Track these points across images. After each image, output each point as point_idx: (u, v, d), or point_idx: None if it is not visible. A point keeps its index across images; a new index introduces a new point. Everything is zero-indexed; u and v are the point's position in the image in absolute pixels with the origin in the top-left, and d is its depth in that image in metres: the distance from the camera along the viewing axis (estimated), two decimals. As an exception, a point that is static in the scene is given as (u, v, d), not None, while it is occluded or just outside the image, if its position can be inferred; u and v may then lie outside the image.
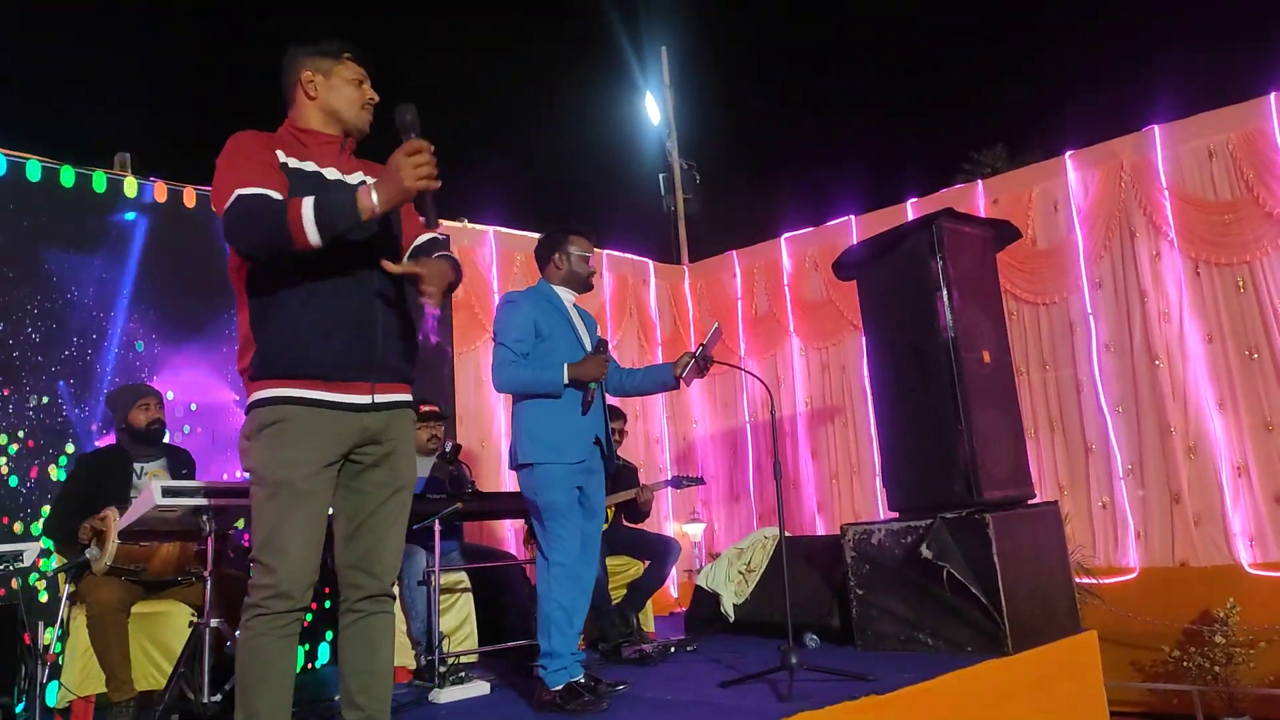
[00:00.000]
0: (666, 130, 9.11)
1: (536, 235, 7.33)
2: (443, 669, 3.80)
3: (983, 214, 6.44)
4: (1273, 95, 5.62)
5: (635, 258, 8.12)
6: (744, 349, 7.90)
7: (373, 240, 2.33)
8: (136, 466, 4.04)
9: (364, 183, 2.20)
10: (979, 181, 6.82)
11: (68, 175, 4.64)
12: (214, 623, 3.29)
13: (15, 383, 4.37)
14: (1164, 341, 5.88)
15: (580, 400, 3.43)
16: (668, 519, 7.83)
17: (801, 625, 4.58)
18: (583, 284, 3.71)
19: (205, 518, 3.36)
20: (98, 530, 3.60)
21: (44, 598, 4.22)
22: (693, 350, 3.70)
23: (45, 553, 4.05)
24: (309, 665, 4.89)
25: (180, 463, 4.18)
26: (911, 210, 6.87)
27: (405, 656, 4.29)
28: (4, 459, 4.30)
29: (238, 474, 4.84)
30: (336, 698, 2.47)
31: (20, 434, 4.36)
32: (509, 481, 6.50)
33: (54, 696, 3.71)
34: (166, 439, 4.27)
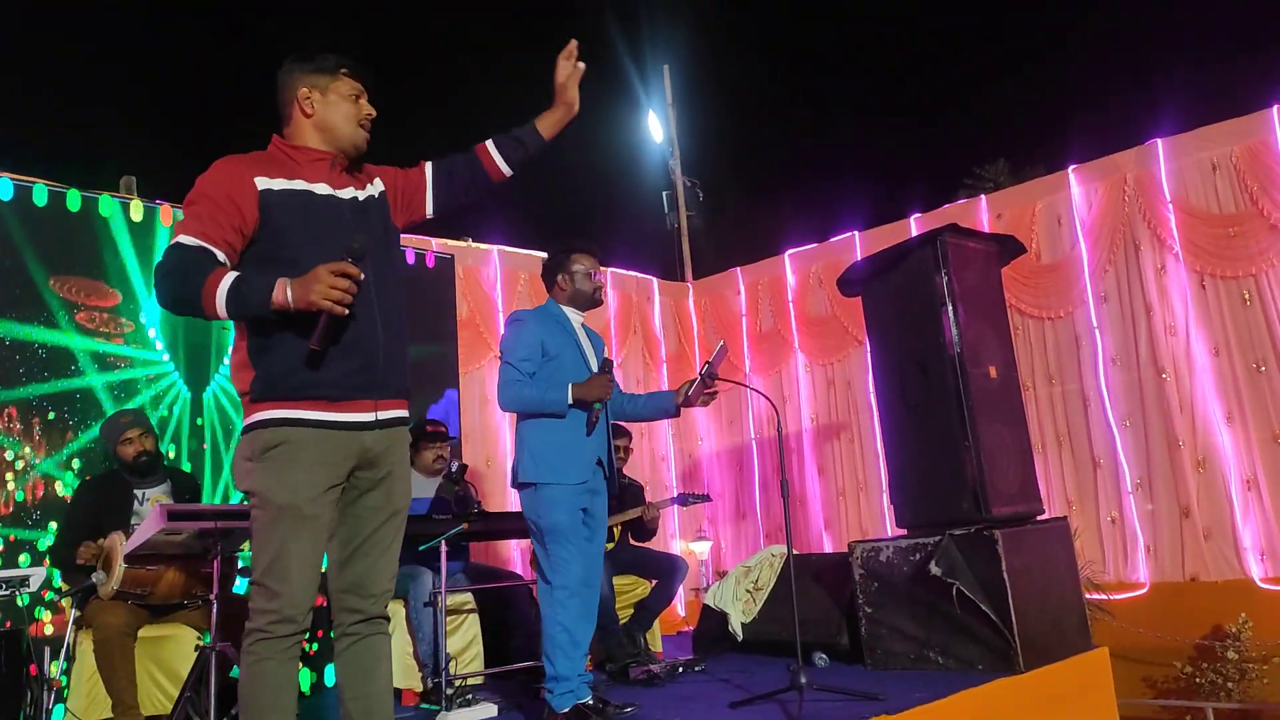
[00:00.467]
0: (669, 148, 9.15)
1: (541, 254, 7.38)
2: (449, 691, 3.77)
3: (986, 229, 6.44)
4: (1275, 108, 5.63)
5: (639, 275, 8.13)
6: (749, 365, 7.89)
7: (374, 255, 2.32)
8: (137, 493, 4.02)
9: (357, 198, 2.32)
10: (982, 196, 6.82)
11: (74, 199, 4.66)
12: (220, 646, 3.27)
13: (21, 404, 4.37)
14: (1170, 355, 5.87)
15: (585, 421, 3.41)
16: (674, 537, 7.80)
17: (810, 644, 4.55)
18: (589, 301, 3.68)
19: (211, 540, 3.35)
20: (104, 554, 3.59)
21: (49, 626, 4.20)
22: (699, 370, 3.68)
23: (51, 586, 4.04)
24: (318, 686, 4.87)
25: (184, 486, 4.17)
26: (915, 226, 6.87)
27: (412, 679, 4.26)
28: (11, 474, 4.30)
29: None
30: None
31: (27, 450, 4.36)
32: (515, 501, 6.48)
33: (60, 722, 3.69)
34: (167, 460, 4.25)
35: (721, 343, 3.79)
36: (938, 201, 7.13)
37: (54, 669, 3.57)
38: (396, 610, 4.43)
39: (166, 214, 4.93)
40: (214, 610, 3.34)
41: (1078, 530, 6.01)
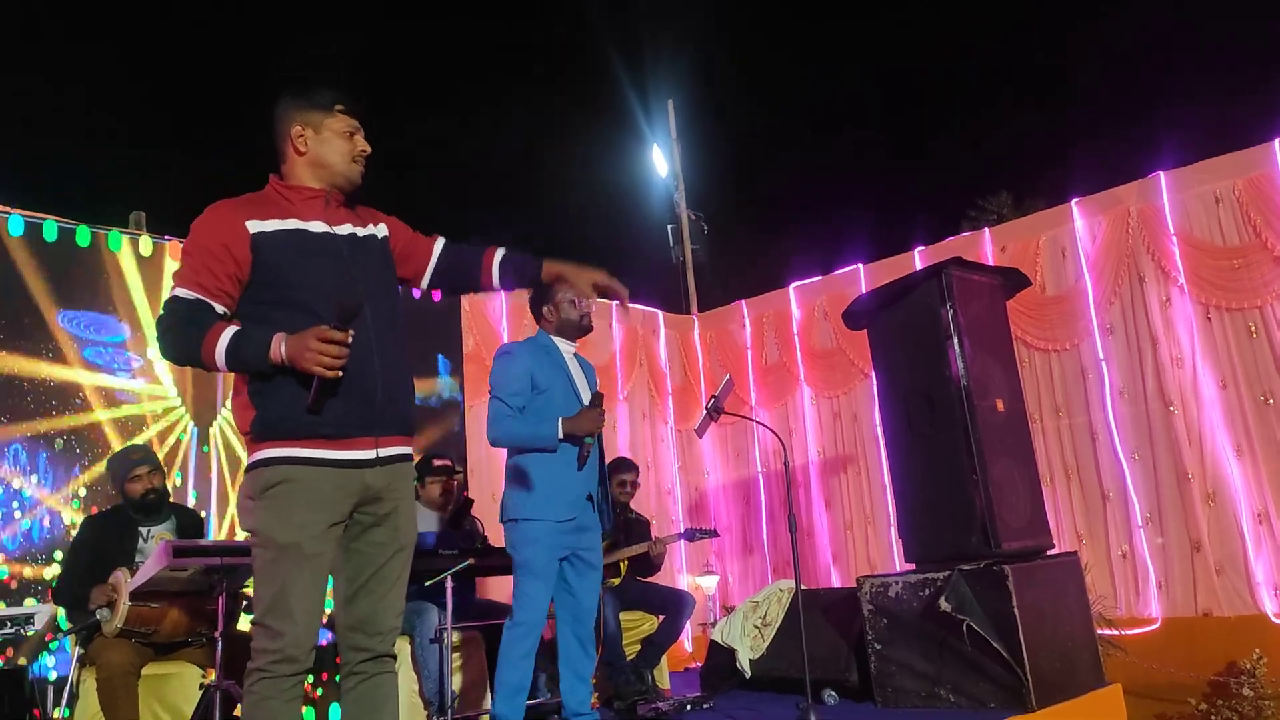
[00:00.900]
0: (674, 182, 9.20)
1: (546, 288, 7.38)
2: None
3: (991, 261, 6.46)
4: (1276, 141, 5.65)
5: (645, 308, 8.14)
6: (755, 398, 7.88)
7: (362, 290, 2.30)
8: (143, 530, 4.01)
9: (360, 233, 2.37)
10: (986, 229, 6.84)
11: (83, 235, 4.69)
12: (224, 684, 3.24)
13: (31, 435, 4.37)
14: (1178, 387, 5.84)
15: (575, 456, 3.37)
16: (681, 572, 7.75)
17: (819, 681, 4.50)
18: (577, 329, 3.60)
19: (216, 577, 3.33)
20: (111, 598, 3.57)
21: (53, 664, 4.17)
22: (705, 404, 3.69)
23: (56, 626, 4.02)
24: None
25: (188, 523, 4.16)
26: (919, 258, 6.88)
27: (417, 716, 4.22)
28: (16, 503, 4.30)
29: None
30: None
31: (34, 479, 4.35)
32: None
33: (62, 762, 3.66)
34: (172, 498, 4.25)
35: (728, 377, 3.81)
36: (941, 233, 7.16)
37: (57, 712, 3.54)
38: (402, 647, 4.39)
39: (175, 249, 4.96)
40: (218, 648, 3.32)
41: (1088, 565, 5.95)
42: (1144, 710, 5.44)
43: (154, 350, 4.84)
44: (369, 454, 2.27)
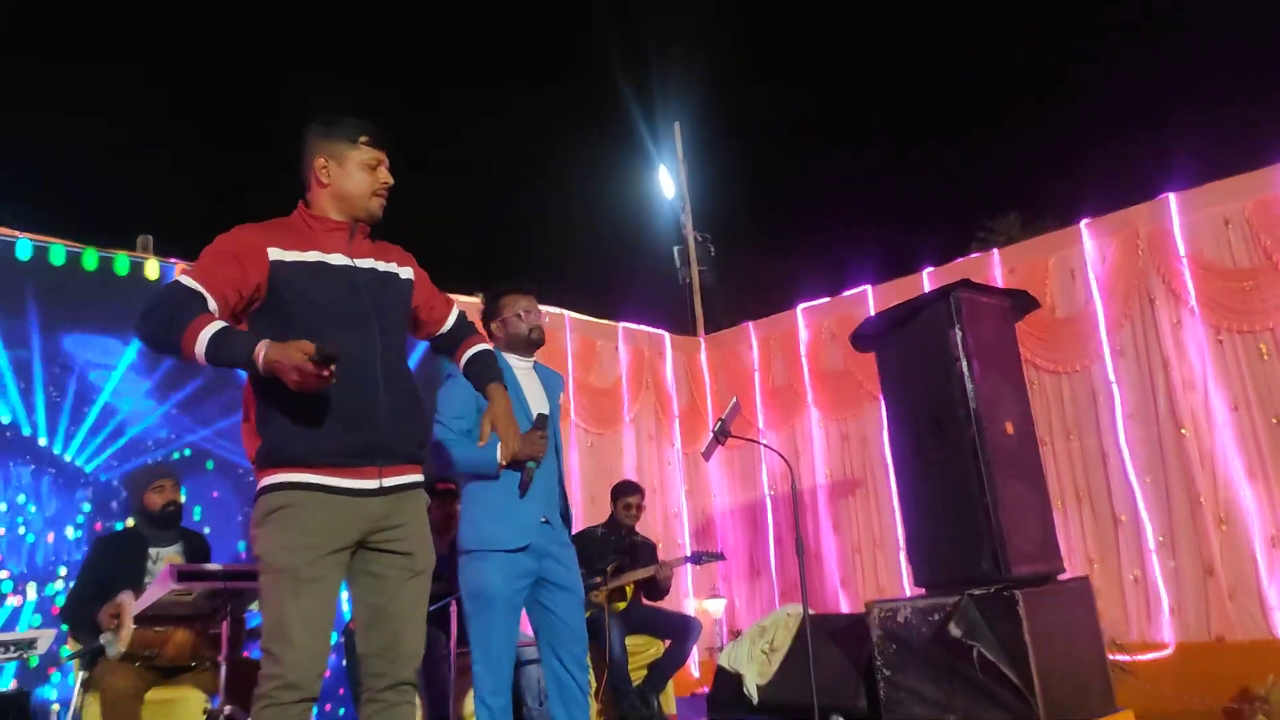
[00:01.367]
0: (680, 203, 9.22)
1: (552, 309, 7.39)
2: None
3: (999, 283, 6.43)
4: (1287, 162, 5.63)
5: (651, 330, 8.13)
6: (762, 421, 7.85)
7: (375, 323, 2.34)
8: (152, 551, 4.00)
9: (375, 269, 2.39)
10: (995, 251, 6.82)
11: (90, 259, 4.70)
12: (228, 709, 3.22)
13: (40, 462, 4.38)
14: (1189, 410, 5.80)
15: (520, 483, 3.17)
16: (687, 596, 7.69)
17: (827, 707, 4.46)
18: (526, 343, 3.42)
19: (220, 601, 3.31)
20: (117, 620, 3.56)
21: (55, 690, 4.15)
22: (712, 427, 3.66)
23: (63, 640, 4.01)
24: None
25: (196, 547, 4.15)
26: (928, 280, 6.87)
27: (421, 743, 4.18)
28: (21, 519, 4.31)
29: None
30: None
31: (32, 509, 4.35)
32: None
33: (64, 787, 3.63)
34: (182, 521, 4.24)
35: (734, 400, 3.79)
36: (950, 254, 7.13)
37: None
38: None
39: (181, 272, 4.96)
40: (222, 672, 3.29)
41: (1100, 589, 5.89)
42: (1158, 736, 5.38)
43: (158, 375, 4.84)
44: (373, 483, 2.28)
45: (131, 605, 3.46)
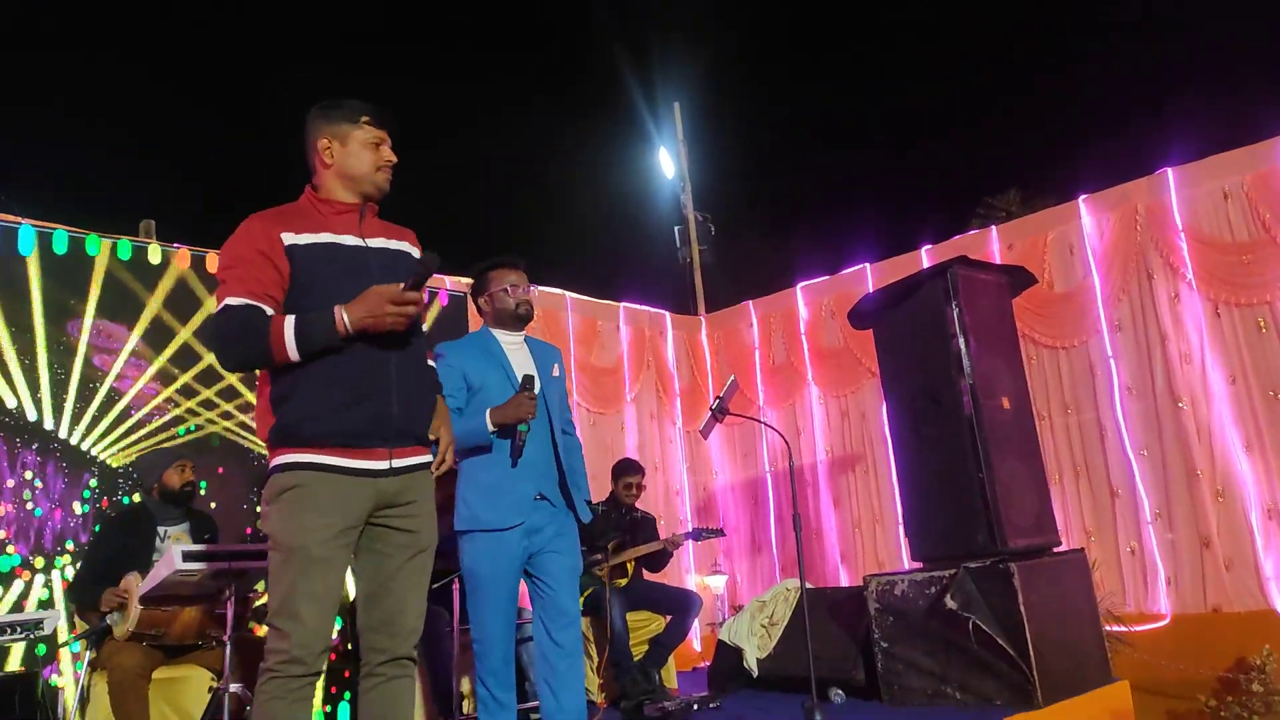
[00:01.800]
0: (681, 183, 9.21)
1: (553, 290, 7.42)
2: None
3: (998, 259, 6.45)
4: (1284, 135, 5.63)
5: (652, 310, 8.15)
6: (762, 398, 7.88)
7: None
8: (161, 530, 4.05)
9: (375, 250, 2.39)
10: (993, 227, 6.83)
11: (93, 244, 4.73)
12: (233, 688, 3.27)
13: (46, 452, 4.42)
14: (1186, 384, 5.83)
15: (511, 448, 3.14)
16: (689, 571, 7.76)
17: (826, 680, 4.51)
18: (514, 319, 3.36)
19: (226, 581, 3.36)
20: (123, 601, 3.61)
21: (61, 674, 4.21)
22: (710, 405, 3.68)
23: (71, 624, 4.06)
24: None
25: (203, 528, 4.20)
26: (926, 257, 6.88)
27: (420, 716, 4.25)
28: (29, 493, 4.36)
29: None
30: None
31: (39, 485, 4.40)
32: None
33: (74, 764, 3.69)
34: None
35: (732, 378, 3.81)
36: (949, 231, 7.14)
37: (68, 716, 3.58)
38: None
39: (184, 257, 4.99)
40: (227, 651, 3.34)
41: (1096, 561, 5.94)
42: (1154, 707, 5.43)
43: (165, 357, 4.87)
44: (383, 464, 2.32)
45: (138, 585, 3.51)
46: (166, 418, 4.83)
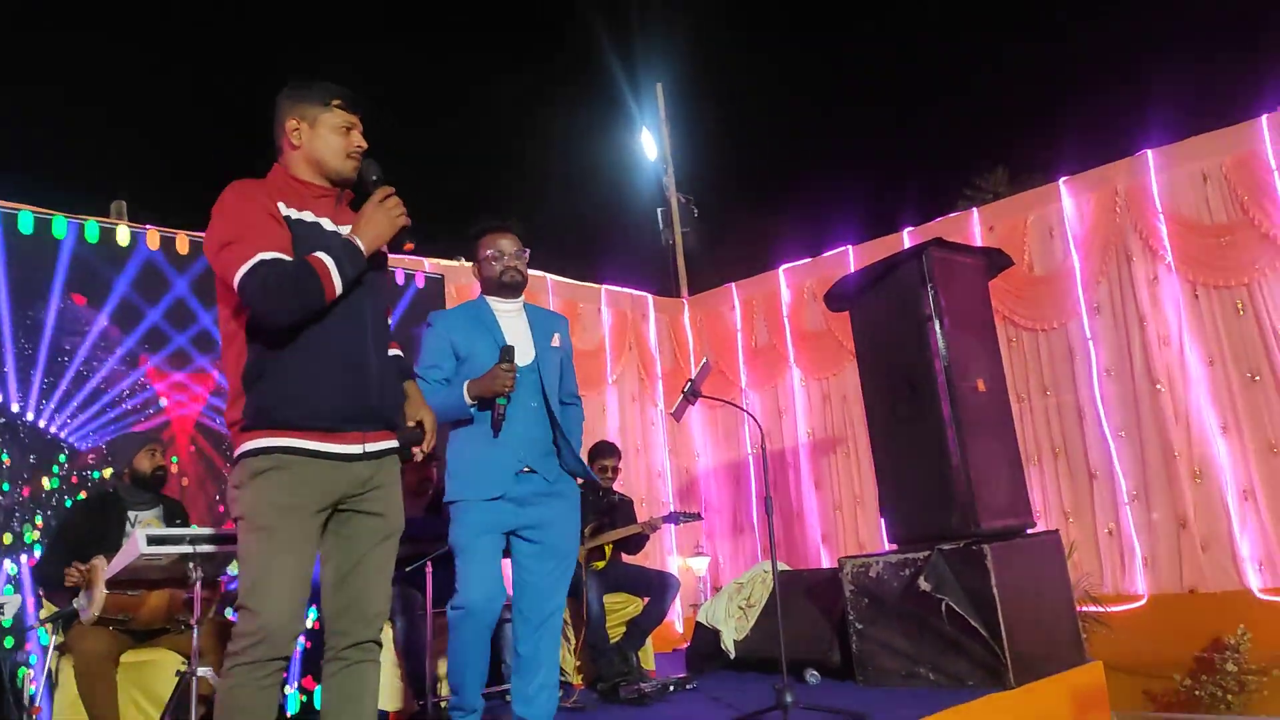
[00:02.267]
0: (663, 165, 9.16)
1: (534, 272, 7.37)
2: (435, 714, 3.74)
3: (979, 242, 6.43)
4: (1265, 117, 5.61)
5: (634, 292, 8.12)
6: (744, 380, 7.87)
7: (366, 289, 2.36)
8: (131, 515, 4.02)
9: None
10: (974, 209, 6.81)
11: (59, 225, 4.67)
12: (201, 671, 3.25)
13: (12, 431, 4.38)
14: (1164, 365, 5.83)
15: (491, 421, 3.07)
16: (671, 553, 7.76)
17: (802, 661, 4.52)
18: (500, 285, 3.24)
19: (192, 565, 3.33)
20: (86, 578, 3.58)
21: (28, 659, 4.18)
22: (684, 388, 3.66)
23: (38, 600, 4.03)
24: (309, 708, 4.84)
25: (174, 513, 4.17)
26: (908, 239, 6.86)
27: (399, 700, 4.24)
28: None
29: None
30: None
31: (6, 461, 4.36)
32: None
33: (41, 750, 3.67)
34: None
35: (705, 359, 3.80)
36: (936, 214, 7.11)
37: (41, 697, 3.55)
38: (386, 631, 4.41)
39: (153, 238, 4.93)
40: (195, 634, 3.32)
41: (1074, 542, 5.96)
42: (1130, 686, 5.47)
43: (132, 340, 4.82)
44: (357, 449, 2.30)
45: (104, 569, 3.48)
46: (137, 400, 4.78)
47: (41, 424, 4.48)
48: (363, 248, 2.27)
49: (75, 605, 3.59)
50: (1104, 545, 5.97)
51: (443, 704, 3.86)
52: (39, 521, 4.36)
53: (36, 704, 3.56)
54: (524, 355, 3.18)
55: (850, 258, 7.24)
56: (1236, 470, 5.56)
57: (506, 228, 3.28)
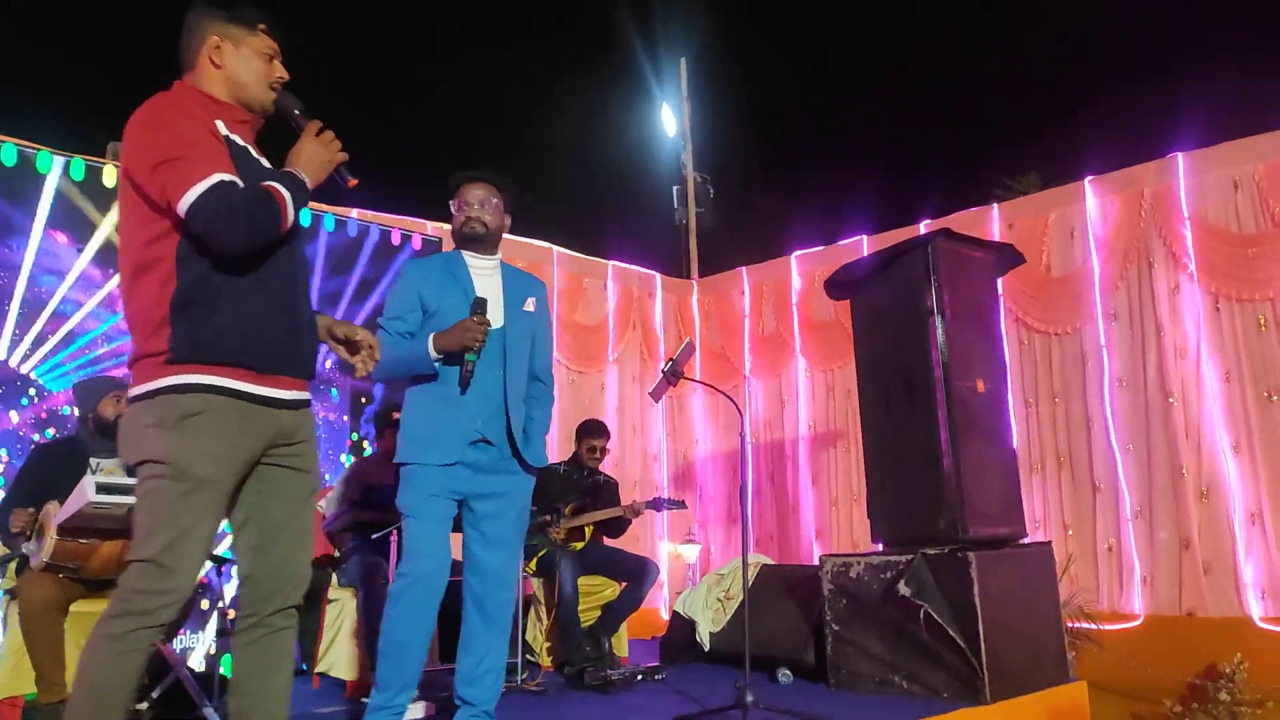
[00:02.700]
0: (682, 142, 8.97)
1: (539, 243, 7.23)
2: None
3: (997, 238, 6.22)
4: (1303, 125, 5.37)
5: (643, 270, 7.96)
6: (749, 368, 7.70)
7: (292, 231, 2.20)
8: (93, 462, 3.91)
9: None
10: (994, 205, 6.59)
11: (44, 160, 4.55)
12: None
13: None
14: (1179, 379, 5.62)
15: (461, 383, 2.89)
16: (662, 539, 7.64)
17: (776, 659, 4.39)
18: (462, 238, 3.02)
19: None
20: (35, 523, 3.48)
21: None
22: (661, 368, 3.50)
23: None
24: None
25: (136, 460, 4.06)
26: (925, 231, 6.64)
27: (356, 669, 4.14)
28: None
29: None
30: None
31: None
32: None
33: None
34: None
35: (687, 340, 3.65)
36: (955, 207, 6.90)
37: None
38: (349, 599, 4.30)
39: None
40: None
41: (1073, 556, 5.78)
42: (1119, 708, 5.29)
43: (116, 281, 4.72)
44: (286, 394, 2.15)
45: (55, 515, 3.38)
46: (114, 344, 4.68)
47: (12, 362, 4.38)
48: (308, 182, 2.14)
49: (25, 550, 3.49)
50: (1103, 561, 5.78)
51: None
52: (3, 455, 4.27)
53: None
54: (494, 318, 2.98)
55: (865, 247, 7.05)
56: (1245, 492, 5.35)
57: (477, 178, 3.08)
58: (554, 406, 3.30)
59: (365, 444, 5.66)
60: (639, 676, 4.33)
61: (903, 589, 3.80)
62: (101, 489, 3.13)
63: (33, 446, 4.26)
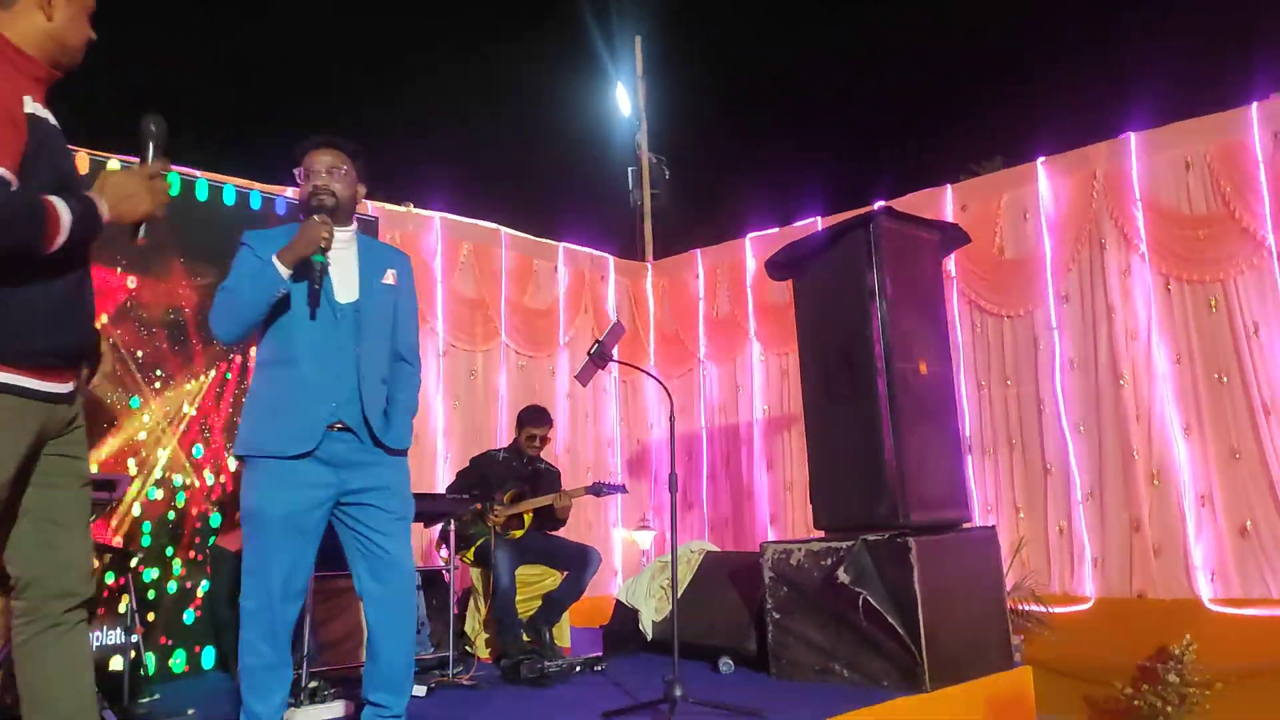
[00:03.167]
0: (637, 122, 8.81)
1: (487, 224, 7.06)
2: (310, 685, 3.49)
3: (950, 219, 6.14)
4: (1254, 105, 5.31)
5: (595, 252, 7.82)
6: (703, 352, 7.60)
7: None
8: None
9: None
10: (948, 186, 6.50)
11: None
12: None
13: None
14: (1130, 361, 5.57)
15: (321, 370, 2.62)
16: (615, 525, 7.53)
17: (718, 648, 4.29)
18: (312, 211, 2.67)
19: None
20: None
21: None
22: (589, 350, 3.38)
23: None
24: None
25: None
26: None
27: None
28: None
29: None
30: None
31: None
32: (440, 482, 6.20)
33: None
34: None
35: (615, 320, 3.52)
36: (910, 188, 6.80)
37: None
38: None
39: (81, 160, 4.60)
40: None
41: (1024, 539, 5.73)
42: (1069, 691, 5.25)
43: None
44: (66, 388, 2.07)
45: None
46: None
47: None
48: (105, 219, 1.99)
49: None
50: (1054, 544, 5.74)
51: (314, 684, 3.58)
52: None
53: None
54: (347, 292, 2.71)
55: (819, 229, 6.93)
56: (1196, 474, 5.32)
57: (324, 144, 2.77)
58: (420, 391, 2.99)
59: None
60: (578, 668, 4.23)
61: (842, 576, 3.71)
62: None
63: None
